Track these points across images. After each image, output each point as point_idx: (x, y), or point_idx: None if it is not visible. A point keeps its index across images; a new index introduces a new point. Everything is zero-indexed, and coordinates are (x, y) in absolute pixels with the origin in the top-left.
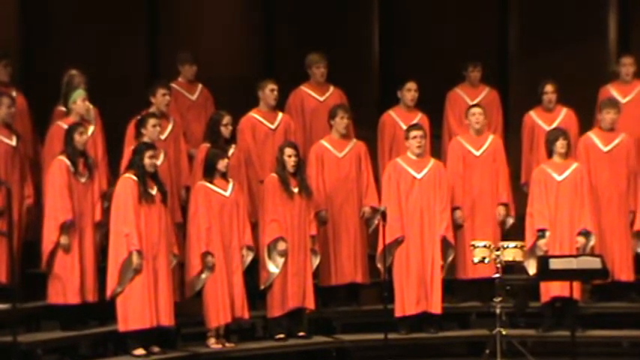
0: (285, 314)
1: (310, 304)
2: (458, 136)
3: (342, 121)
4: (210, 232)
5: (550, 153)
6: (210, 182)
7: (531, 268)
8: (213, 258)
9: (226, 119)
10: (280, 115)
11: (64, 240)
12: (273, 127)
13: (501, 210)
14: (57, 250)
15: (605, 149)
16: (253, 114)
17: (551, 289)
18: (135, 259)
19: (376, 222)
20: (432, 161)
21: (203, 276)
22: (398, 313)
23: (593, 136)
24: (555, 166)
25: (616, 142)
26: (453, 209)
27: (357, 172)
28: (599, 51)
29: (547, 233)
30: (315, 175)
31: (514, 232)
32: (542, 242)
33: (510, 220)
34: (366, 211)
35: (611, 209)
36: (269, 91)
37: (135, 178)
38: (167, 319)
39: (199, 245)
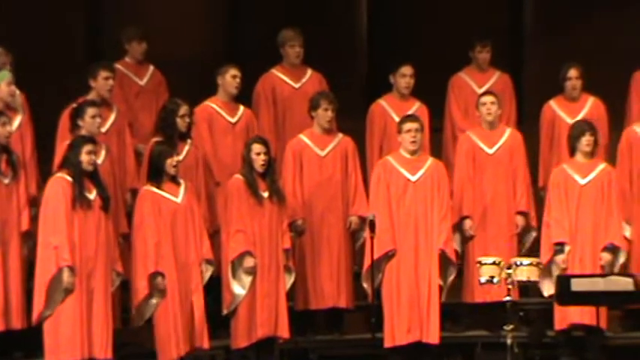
0: (252, 344)
1: (283, 332)
2: (468, 130)
3: (325, 114)
4: (159, 248)
5: (573, 150)
6: (158, 187)
7: (547, 289)
8: (164, 280)
9: (183, 109)
10: (242, 108)
11: None
12: (233, 120)
13: (520, 220)
14: None
15: None
16: (210, 104)
17: (570, 315)
18: (66, 276)
19: (365, 235)
20: (430, 160)
21: (153, 301)
22: (387, 343)
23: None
24: (578, 166)
25: None
26: (462, 219)
27: (343, 174)
28: (631, 27)
29: (566, 248)
30: (292, 176)
31: (536, 248)
32: (560, 258)
33: (533, 234)
34: (352, 222)
35: None
36: (230, 78)
37: (69, 178)
38: (102, 351)
39: (146, 264)
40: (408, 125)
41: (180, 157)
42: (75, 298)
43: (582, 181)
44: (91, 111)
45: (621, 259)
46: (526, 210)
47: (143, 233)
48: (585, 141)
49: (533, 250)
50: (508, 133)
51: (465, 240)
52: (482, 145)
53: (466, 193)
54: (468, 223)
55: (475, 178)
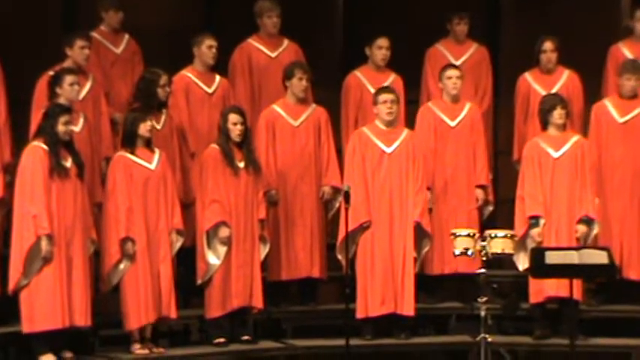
0: (226, 314)
1: (258, 302)
2: (429, 102)
3: (300, 83)
4: (131, 214)
5: (545, 124)
6: (132, 153)
7: (522, 262)
8: (134, 245)
9: (163, 79)
10: (218, 78)
11: None
12: (210, 90)
13: (480, 194)
14: None
15: (621, 120)
16: (187, 73)
17: (546, 288)
18: (44, 245)
19: (337, 205)
20: (406, 132)
21: (121, 266)
22: (360, 315)
23: (608, 104)
24: (551, 140)
25: (635, 112)
26: None
27: (316, 145)
28: (609, 1)
29: (541, 221)
30: (265, 147)
31: (498, 221)
32: (535, 232)
33: (489, 208)
34: (325, 192)
35: (623, 192)
36: (206, 48)
37: (45, 147)
38: (82, 319)
39: (118, 229)
40: (384, 96)
41: (158, 127)
42: (55, 267)
43: (556, 154)
44: (69, 78)
45: (595, 230)
46: (486, 184)
47: (115, 198)
48: (557, 114)
49: (489, 224)
50: (468, 107)
51: None
52: (444, 118)
53: (427, 164)
54: (428, 194)
55: (437, 150)
